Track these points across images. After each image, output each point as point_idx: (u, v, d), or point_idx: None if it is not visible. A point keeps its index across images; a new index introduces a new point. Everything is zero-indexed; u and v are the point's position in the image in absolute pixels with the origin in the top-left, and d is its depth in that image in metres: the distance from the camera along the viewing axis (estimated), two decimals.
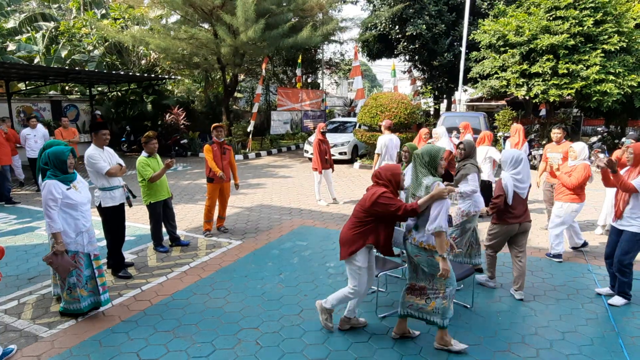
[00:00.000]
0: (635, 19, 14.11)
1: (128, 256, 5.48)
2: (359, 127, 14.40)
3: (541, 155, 13.03)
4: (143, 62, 18.93)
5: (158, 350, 3.49)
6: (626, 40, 13.30)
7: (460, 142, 5.03)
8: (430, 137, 7.90)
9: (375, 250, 4.57)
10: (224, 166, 6.31)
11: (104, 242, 4.96)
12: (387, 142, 7.79)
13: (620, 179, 4.12)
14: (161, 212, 5.72)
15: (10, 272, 5.08)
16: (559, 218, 5.44)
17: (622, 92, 13.00)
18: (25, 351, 3.48)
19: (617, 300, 4.31)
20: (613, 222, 4.38)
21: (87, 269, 3.98)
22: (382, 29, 20.67)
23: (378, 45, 22.06)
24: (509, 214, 4.32)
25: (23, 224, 7.11)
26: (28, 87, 15.38)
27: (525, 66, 13.96)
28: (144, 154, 5.50)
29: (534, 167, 12.29)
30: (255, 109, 16.89)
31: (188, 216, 7.61)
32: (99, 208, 4.80)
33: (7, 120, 9.54)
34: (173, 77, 18.64)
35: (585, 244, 5.84)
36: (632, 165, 4.23)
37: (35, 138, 9.55)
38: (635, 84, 12.97)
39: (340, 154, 14.04)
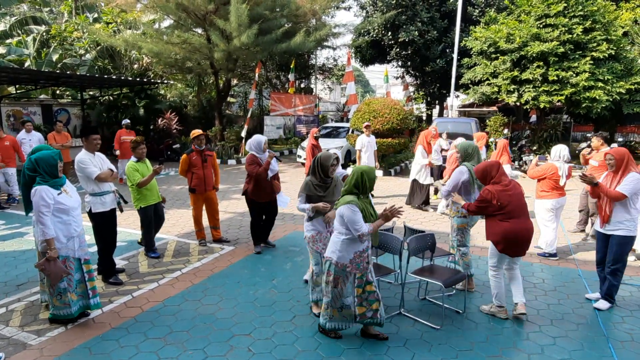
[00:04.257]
0: (623, 27, 14.38)
1: (119, 262, 5.43)
2: (352, 132, 14.44)
3: (531, 160, 13.19)
4: (135, 66, 18.83)
5: (149, 358, 3.46)
6: (614, 48, 13.54)
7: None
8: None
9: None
10: (206, 174, 6.09)
11: (95, 248, 4.91)
12: (366, 142, 9.38)
13: (604, 189, 4.18)
14: (152, 216, 5.69)
15: None
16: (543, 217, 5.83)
17: (611, 99, 13.21)
18: (13, 359, 3.43)
19: (603, 304, 4.35)
20: (600, 228, 4.40)
21: (77, 273, 3.94)
22: (374, 35, 20.84)
23: (371, 51, 22.23)
24: None
25: (12, 229, 7.02)
26: (18, 91, 15.24)
27: (516, 73, 14.14)
28: (132, 158, 5.53)
29: (525, 172, 12.38)
30: (248, 114, 16.88)
31: (180, 221, 7.56)
32: (90, 213, 4.77)
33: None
34: (165, 81, 18.57)
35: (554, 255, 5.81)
36: (612, 171, 4.25)
37: (30, 142, 9.37)
38: (623, 91, 13.19)
39: None
